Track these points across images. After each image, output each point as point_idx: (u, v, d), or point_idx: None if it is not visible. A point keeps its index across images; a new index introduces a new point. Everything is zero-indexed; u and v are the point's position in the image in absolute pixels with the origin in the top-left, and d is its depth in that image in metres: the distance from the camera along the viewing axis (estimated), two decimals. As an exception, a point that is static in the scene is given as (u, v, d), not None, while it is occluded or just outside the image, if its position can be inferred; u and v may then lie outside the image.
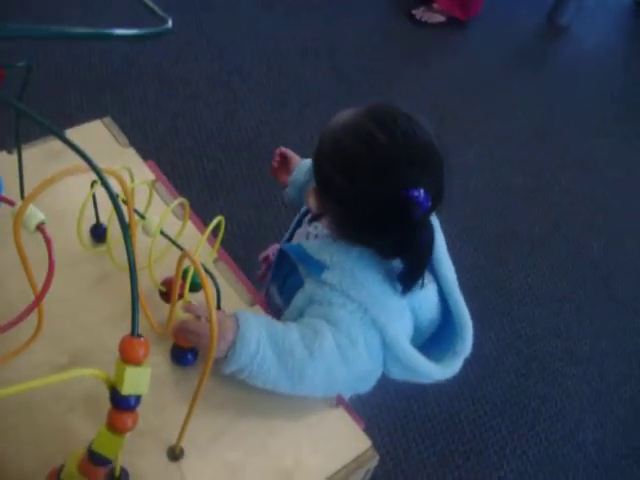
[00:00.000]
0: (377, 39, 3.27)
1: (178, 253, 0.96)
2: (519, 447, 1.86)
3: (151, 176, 1.17)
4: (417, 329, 0.98)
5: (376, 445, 0.91)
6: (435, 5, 3.38)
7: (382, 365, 0.95)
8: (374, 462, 0.90)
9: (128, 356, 0.61)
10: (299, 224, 1.13)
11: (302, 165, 1.24)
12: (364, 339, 0.90)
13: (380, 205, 0.87)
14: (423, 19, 3.38)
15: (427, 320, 0.99)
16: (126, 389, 0.61)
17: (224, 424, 0.88)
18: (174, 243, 0.91)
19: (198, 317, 0.86)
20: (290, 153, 1.27)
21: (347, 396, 1.10)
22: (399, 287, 0.93)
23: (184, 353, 0.91)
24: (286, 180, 1.26)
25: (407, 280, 0.91)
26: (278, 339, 0.85)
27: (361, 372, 0.93)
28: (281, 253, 1.06)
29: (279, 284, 1.06)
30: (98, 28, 0.47)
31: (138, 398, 0.63)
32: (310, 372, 0.86)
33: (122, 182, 0.69)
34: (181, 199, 0.94)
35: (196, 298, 0.91)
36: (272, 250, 1.13)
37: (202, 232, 1.11)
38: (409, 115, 0.89)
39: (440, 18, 3.39)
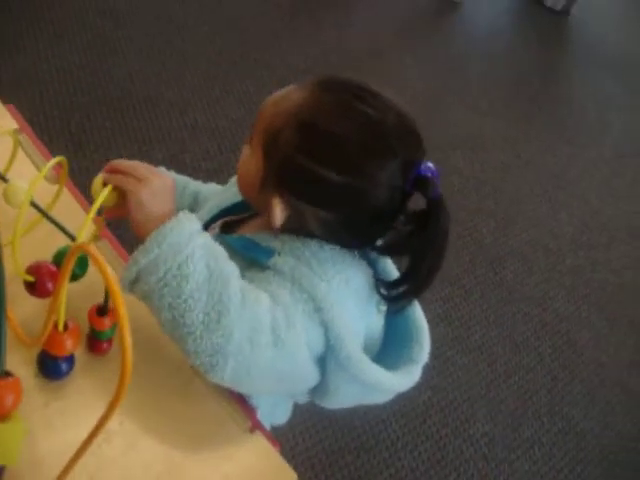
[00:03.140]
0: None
1: (48, 227, 0.73)
2: (410, 442, 1.74)
3: (13, 124, 0.91)
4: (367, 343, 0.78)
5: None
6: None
7: (319, 376, 0.75)
8: (298, 498, 0.74)
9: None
10: None
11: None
12: (304, 330, 0.67)
13: (389, 193, 0.69)
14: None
15: (377, 333, 0.81)
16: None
17: (114, 457, 0.66)
18: (57, 225, 0.67)
19: None
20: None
21: (287, 401, 0.94)
22: (376, 298, 0.76)
23: (56, 363, 0.69)
24: None
25: (411, 283, 0.74)
26: (218, 259, 0.64)
27: (288, 368, 0.69)
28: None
29: None
30: None
31: (1, 470, 0.41)
32: (233, 317, 0.62)
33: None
34: (59, 158, 0.71)
35: (77, 288, 0.69)
36: None
37: (77, 198, 0.88)
38: (368, 85, 0.73)
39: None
